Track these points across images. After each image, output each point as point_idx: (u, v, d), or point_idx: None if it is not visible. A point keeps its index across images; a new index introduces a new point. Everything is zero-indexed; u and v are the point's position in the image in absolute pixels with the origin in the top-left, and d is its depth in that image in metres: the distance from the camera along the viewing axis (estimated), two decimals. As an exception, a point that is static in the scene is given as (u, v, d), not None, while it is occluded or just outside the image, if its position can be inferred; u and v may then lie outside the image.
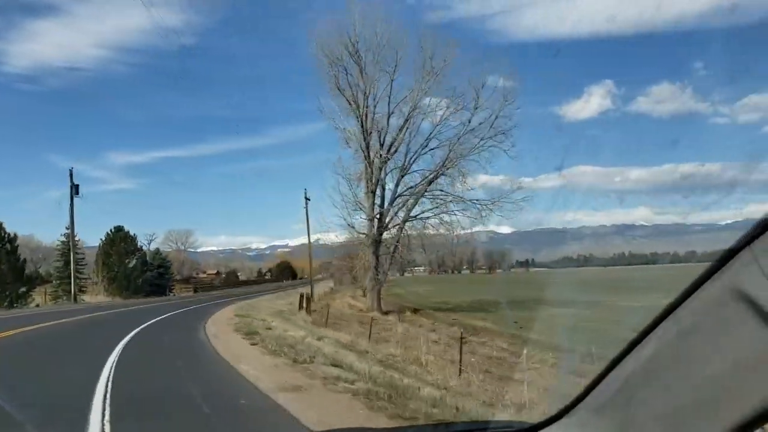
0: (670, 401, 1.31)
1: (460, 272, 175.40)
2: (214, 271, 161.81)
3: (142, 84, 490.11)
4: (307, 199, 45.33)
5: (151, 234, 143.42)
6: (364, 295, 65.46)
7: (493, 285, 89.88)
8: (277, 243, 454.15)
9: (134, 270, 58.55)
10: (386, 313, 39.07)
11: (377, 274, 39.65)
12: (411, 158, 39.87)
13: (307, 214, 45.90)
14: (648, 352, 1.39)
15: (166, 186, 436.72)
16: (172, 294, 64.63)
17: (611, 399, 1.52)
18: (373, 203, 40.00)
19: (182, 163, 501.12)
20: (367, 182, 39.86)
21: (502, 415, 8.55)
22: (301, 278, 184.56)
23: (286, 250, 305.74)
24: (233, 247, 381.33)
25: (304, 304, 32.90)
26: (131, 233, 60.19)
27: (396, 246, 40.25)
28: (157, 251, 64.77)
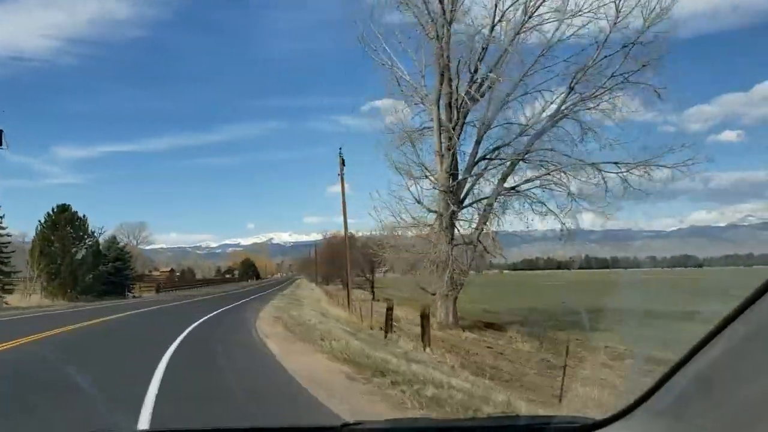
0: (727, 413, 1.22)
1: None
2: (168, 269, 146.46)
3: (92, 77, 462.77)
4: (342, 162, 31.47)
5: (101, 227, 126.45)
6: (374, 298, 52.20)
7: (506, 288, 77.44)
8: (228, 242, 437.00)
9: (83, 263, 43.40)
10: (466, 329, 25.81)
11: (452, 273, 26.29)
12: (501, 105, 26.69)
13: (342, 184, 32.02)
14: (710, 357, 1.30)
15: (115, 181, 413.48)
16: (132, 295, 49.57)
17: (671, 404, 1.46)
18: (451, 167, 26.64)
19: (133, 159, 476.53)
20: (438, 136, 26.53)
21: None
22: (265, 278, 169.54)
23: (238, 249, 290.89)
24: (184, 245, 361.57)
25: (392, 324, 19.26)
26: (80, 215, 44.97)
27: (480, 232, 26.97)
28: (114, 240, 49.65)
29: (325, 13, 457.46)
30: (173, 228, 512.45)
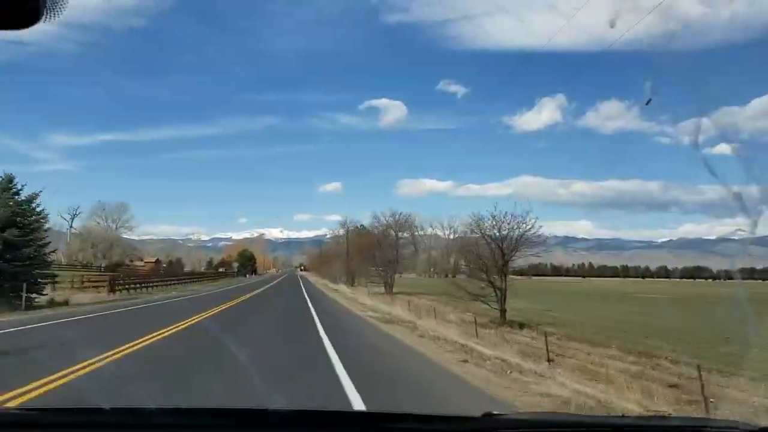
0: None
1: (455, 276, 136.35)
2: (154, 259, 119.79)
3: (92, 64, 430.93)
4: None
5: (76, 208, 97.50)
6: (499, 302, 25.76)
7: (611, 302, 52.26)
8: (220, 235, 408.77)
9: None
10: None
11: None
12: None
13: None
14: None
15: (109, 170, 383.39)
16: (47, 298, 23.16)
17: None
18: None
19: (128, 148, 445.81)
20: None
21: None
22: (261, 273, 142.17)
23: (230, 243, 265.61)
24: (175, 237, 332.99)
25: None
26: None
27: None
28: (9, 183, 22.99)
29: (325, 8, 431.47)
30: (165, 219, 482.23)
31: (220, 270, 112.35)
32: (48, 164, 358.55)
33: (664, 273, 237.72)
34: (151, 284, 43.70)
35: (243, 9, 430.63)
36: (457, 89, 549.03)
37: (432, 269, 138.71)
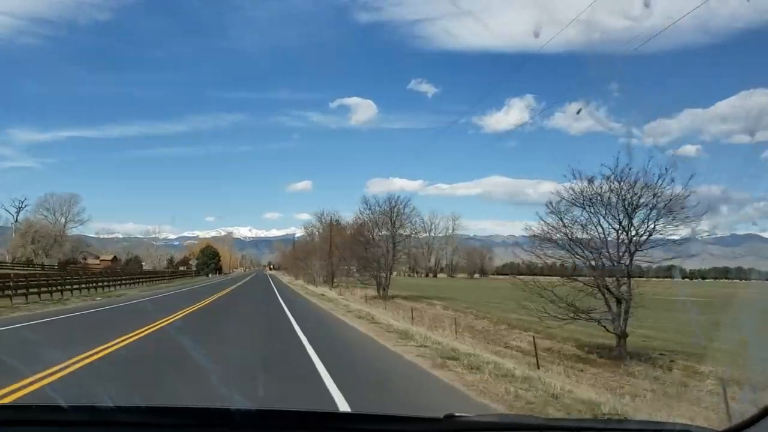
0: None
1: (435, 275, 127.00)
2: (110, 257, 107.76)
3: (55, 58, 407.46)
4: None
5: (22, 200, 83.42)
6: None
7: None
8: (187, 234, 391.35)
9: None
10: None
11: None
12: None
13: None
14: None
15: (74, 167, 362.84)
16: None
17: None
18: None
19: (91, 145, 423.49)
20: None
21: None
22: (228, 272, 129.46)
23: (195, 242, 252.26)
24: (139, 236, 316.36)
25: None
26: None
27: None
28: None
29: (296, 4, 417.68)
30: (131, 217, 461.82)
31: (181, 269, 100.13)
32: (9, 161, 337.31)
33: (637, 273, 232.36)
34: (76, 286, 32.15)
35: (211, 3, 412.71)
36: (428, 89, 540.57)
37: (409, 267, 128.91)
